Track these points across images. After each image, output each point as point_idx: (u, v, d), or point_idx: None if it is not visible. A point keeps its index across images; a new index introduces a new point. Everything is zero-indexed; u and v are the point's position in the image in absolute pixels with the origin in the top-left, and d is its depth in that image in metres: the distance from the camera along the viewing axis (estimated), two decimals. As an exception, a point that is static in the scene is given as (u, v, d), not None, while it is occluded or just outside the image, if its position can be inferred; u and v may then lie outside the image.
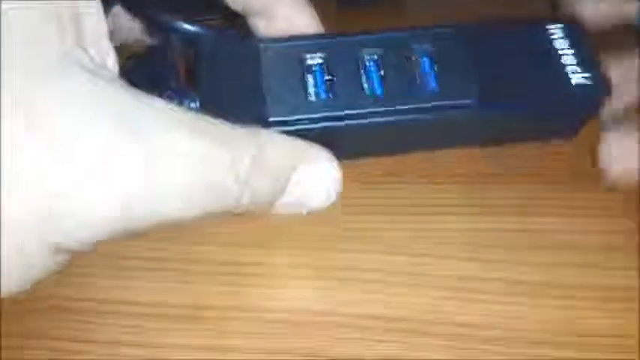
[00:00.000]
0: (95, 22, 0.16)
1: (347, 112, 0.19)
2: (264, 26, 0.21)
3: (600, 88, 0.20)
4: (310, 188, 0.19)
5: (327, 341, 0.19)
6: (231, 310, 0.20)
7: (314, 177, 0.19)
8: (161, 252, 0.22)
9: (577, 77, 0.20)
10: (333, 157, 0.19)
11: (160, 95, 0.21)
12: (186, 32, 0.21)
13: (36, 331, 0.20)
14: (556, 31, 0.21)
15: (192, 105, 0.21)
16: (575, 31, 0.21)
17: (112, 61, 0.17)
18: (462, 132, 0.21)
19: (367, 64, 0.20)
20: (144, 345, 0.19)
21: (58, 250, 0.14)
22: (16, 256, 0.14)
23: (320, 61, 0.20)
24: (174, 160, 0.15)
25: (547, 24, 0.21)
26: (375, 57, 0.20)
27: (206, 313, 0.20)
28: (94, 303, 0.20)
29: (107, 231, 0.15)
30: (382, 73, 0.20)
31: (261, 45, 0.20)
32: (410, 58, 0.20)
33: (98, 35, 0.16)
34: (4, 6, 0.14)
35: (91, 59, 0.15)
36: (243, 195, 0.17)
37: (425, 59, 0.20)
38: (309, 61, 0.20)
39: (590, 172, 0.22)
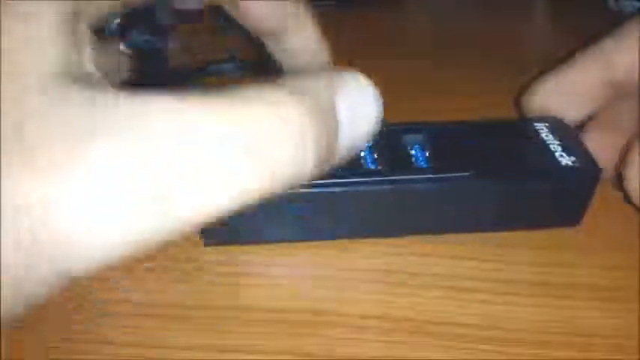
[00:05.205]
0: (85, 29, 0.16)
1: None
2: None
3: (589, 168, 0.22)
4: (356, 109, 0.18)
5: (327, 341, 0.19)
6: (231, 310, 0.20)
7: (356, 97, 0.18)
8: (161, 252, 0.22)
9: (565, 160, 0.22)
10: (360, 74, 0.18)
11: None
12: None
13: (35, 331, 0.20)
14: (542, 127, 0.23)
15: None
16: (560, 127, 0.23)
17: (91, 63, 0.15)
18: (465, 211, 0.22)
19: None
20: (144, 345, 0.19)
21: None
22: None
23: None
24: (204, 145, 0.13)
25: (535, 122, 0.24)
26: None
27: (206, 313, 0.20)
28: (94, 303, 0.20)
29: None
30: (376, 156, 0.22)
31: None
32: (405, 147, 0.22)
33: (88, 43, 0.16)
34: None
35: (86, 73, 0.14)
36: (305, 155, 0.15)
37: (419, 148, 0.22)
38: None
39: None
